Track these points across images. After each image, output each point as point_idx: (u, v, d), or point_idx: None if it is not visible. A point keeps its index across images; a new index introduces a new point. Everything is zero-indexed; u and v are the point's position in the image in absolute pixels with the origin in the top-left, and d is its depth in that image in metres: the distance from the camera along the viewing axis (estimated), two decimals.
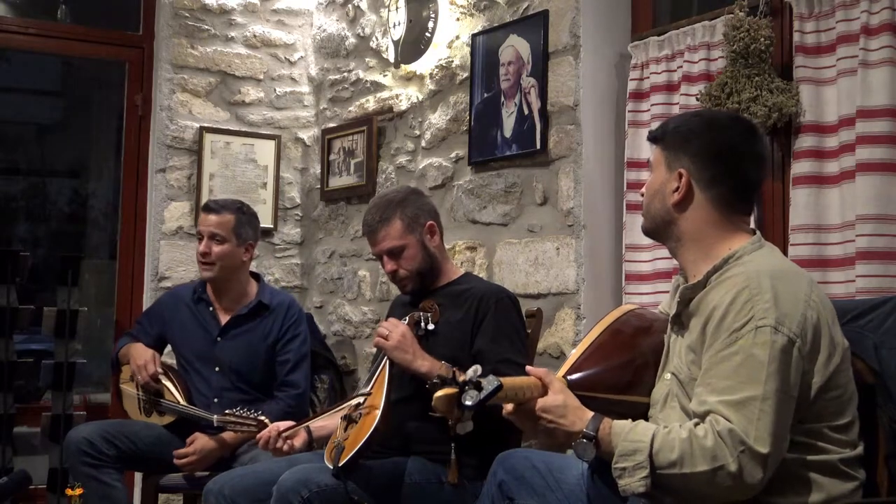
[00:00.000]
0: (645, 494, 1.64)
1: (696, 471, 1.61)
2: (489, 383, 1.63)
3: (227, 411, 2.96)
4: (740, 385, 1.63)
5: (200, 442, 3.07)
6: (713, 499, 1.66)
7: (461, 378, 1.65)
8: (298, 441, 2.67)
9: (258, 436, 2.72)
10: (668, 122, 1.97)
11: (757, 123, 2.54)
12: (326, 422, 2.73)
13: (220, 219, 3.26)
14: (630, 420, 1.73)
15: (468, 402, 1.62)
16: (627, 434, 1.68)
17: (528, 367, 1.83)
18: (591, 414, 1.74)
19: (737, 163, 1.87)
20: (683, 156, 1.86)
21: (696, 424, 1.66)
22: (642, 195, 1.98)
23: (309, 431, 2.69)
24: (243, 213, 3.33)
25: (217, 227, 3.25)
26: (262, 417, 2.91)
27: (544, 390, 1.77)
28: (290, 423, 2.73)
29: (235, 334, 3.31)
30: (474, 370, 1.66)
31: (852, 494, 1.72)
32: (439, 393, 1.64)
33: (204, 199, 4.25)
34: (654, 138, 1.95)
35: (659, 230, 1.92)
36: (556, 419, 1.74)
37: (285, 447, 2.64)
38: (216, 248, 3.24)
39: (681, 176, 1.86)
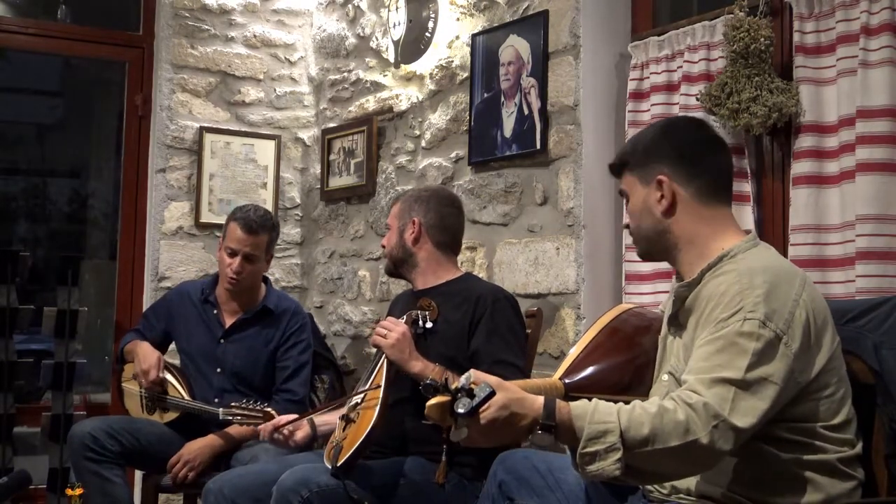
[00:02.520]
0: (617, 479, 1.58)
1: (669, 446, 1.56)
2: (481, 390, 1.60)
3: (233, 404, 2.96)
4: (717, 367, 1.62)
5: (187, 446, 3.07)
6: (681, 473, 1.64)
7: (453, 385, 1.63)
8: (300, 434, 2.67)
9: (259, 427, 2.73)
10: (624, 150, 1.99)
11: (757, 123, 2.57)
12: (330, 417, 2.74)
13: (258, 239, 3.21)
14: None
15: (461, 410, 1.59)
16: (592, 415, 1.58)
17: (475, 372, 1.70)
18: (541, 399, 1.62)
19: (703, 152, 1.91)
20: (655, 164, 1.88)
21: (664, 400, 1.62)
22: (627, 227, 1.99)
23: (313, 425, 2.70)
24: (275, 230, 3.34)
25: (255, 249, 3.21)
26: (269, 409, 2.92)
27: None
28: (292, 416, 2.74)
29: (238, 338, 3.30)
30: (466, 377, 1.63)
31: (851, 494, 1.71)
32: (432, 401, 1.62)
33: (204, 199, 4.27)
34: (619, 168, 1.96)
35: (655, 247, 1.92)
36: (498, 411, 1.60)
37: (284, 437, 2.66)
38: (248, 268, 3.22)
39: (661, 182, 1.87)
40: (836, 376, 1.73)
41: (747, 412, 1.58)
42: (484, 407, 1.60)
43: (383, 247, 2.87)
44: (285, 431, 2.66)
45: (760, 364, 1.61)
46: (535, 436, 1.60)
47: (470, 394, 1.60)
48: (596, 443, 1.56)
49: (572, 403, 1.61)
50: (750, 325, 1.63)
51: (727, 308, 1.67)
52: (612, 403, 1.62)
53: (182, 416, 3.21)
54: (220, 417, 3.01)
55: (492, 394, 1.61)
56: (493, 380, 1.65)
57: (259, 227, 3.21)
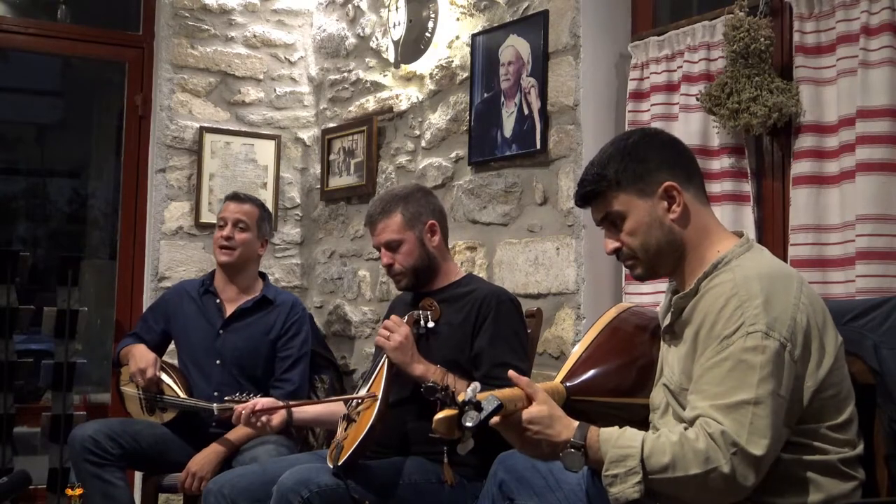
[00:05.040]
0: (637, 501, 1.62)
1: (689, 474, 1.59)
2: (489, 403, 1.61)
3: (226, 398, 2.98)
4: (731, 390, 1.62)
5: (194, 459, 3.08)
6: (704, 502, 1.65)
7: (460, 398, 1.63)
8: (276, 419, 2.66)
9: (236, 407, 2.70)
10: (600, 170, 1.85)
11: (757, 123, 2.57)
12: (309, 409, 2.75)
13: (245, 208, 3.40)
14: (627, 425, 1.71)
15: (468, 424, 1.59)
16: (617, 440, 1.65)
17: (511, 374, 1.77)
18: (576, 423, 1.70)
19: (689, 155, 1.90)
20: (653, 173, 1.83)
21: (687, 429, 1.65)
22: (617, 250, 1.88)
23: (290, 412, 2.69)
24: (265, 210, 3.51)
25: (243, 215, 3.38)
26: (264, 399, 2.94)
27: (528, 401, 1.73)
28: (269, 399, 2.72)
29: (238, 327, 3.34)
30: (473, 388, 1.63)
31: (852, 494, 1.71)
32: (439, 415, 1.61)
33: (204, 199, 4.28)
34: (604, 190, 1.84)
35: (664, 260, 1.85)
36: (542, 430, 1.69)
37: (259, 423, 2.64)
38: (239, 235, 3.37)
39: (668, 189, 1.82)
40: (840, 376, 1.73)
41: (763, 437, 1.59)
42: (524, 413, 1.68)
43: (390, 266, 2.66)
44: (263, 418, 2.64)
45: (770, 377, 1.61)
46: (566, 454, 1.67)
47: (477, 407, 1.60)
48: (617, 466, 1.63)
49: (602, 429, 1.68)
50: (753, 339, 1.63)
51: (728, 324, 1.66)
52: (639, 431, 1.67)
53: (181, 417, 3.21)
54: (216, 413, 3.01)
55: (499, 407, 1.63)
56: (541, 393, 1.73)
57: (246, 198, 3.46)
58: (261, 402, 2.69)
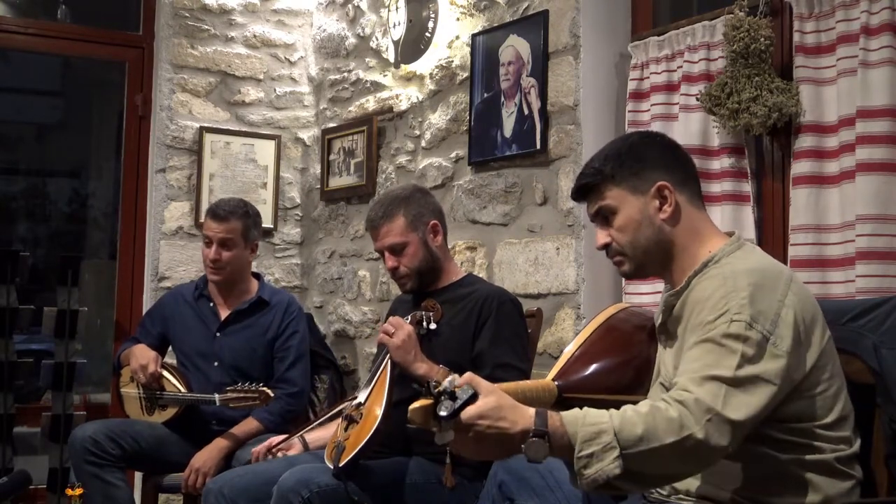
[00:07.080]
0: (619, 478, 1.54)
1: (664, 443, 1.53)
2: (464, 392, 1.57)
3: (227, 388, 3.02)
4: (707, 366, 1.60)
5: (196, 456, 3.09)
6: (680, 473, 1.62)
7: (436, 388, 1.60)
8: (292, 453, 2.67)
9: (252, 451, 2.74)
10: (598, 165, 1.87)
11: (757, 123, 2.57)
12: (322, 432, 2.72)
13: (229, 226, 3.29)
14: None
15: (443, 413, 1.55)
16: (584, 419, 1.56)
17: (467, 375, 1.66)
18: (532, 410, 1.58)
19: (686, 157, 1.91)
20: (648, 172, 1.84)
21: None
22: (607, 246, 1.88)
23: (304, 443, 2.70)
24: (249, 217, 3.38)
25: (227, 234, 3.29)
26: (264, 388, 3.00)
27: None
28: (281, 437, 2.74)
29: (235, 329, 3.34)
30: (450, 380, 1.60)
31: (850, 493, 1.71)
32: (414, 405, 1.58)
33: (204, 199, 4.27)
34: (598, 184, 1.85)
35: (653, 258, 1.86)
36: (492, 423, 1.56)
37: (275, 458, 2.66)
38: (226, 254, 3.30)
39: (661, 189, 1.82)
40: (828, 373, 1.72)
41: (740, 407, 1.57)
42: (469, 409, 1.57)
43: (395, 269, 2.64)
44: (280, 455, 2.66)
45: (750, 363, 1.60)
46: (529, 445, 1.55)
47: (452, 396, 1.57)
48: (591, 444, 1.54)
49: (563, 412, 1.59)
50: (736, 326, 1.62)
51: (713, 311, 1.66)
52: (602, 410, 1.60)
53: (181, 415, 3.22)
54: (217, 403, 3.05)
55: (474, 396, 1.57)
56: (485, 384, 1.62)
57: (228, 213, 3.30)
58: (276, 438, 2.70)
